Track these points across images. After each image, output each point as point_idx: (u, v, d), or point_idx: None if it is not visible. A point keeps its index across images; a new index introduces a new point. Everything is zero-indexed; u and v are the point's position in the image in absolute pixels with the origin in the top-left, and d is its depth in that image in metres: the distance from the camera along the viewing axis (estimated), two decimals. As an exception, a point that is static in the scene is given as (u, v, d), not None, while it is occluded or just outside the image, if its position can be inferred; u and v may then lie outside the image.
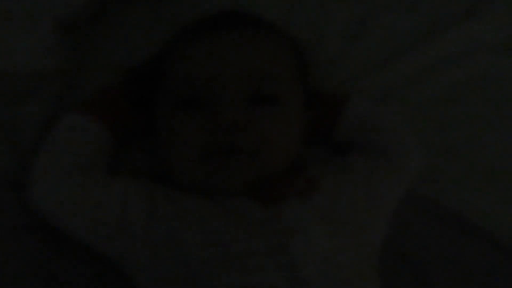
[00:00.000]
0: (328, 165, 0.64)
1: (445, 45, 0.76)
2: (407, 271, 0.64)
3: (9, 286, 0.58)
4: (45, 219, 0.58)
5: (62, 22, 0.67)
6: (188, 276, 0.53)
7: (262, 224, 0.54)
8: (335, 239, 0.55)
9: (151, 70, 0.64)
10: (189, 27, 0.63)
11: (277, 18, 0.68)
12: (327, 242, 0.54)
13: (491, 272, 0.65)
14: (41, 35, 0.66)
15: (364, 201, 0.60)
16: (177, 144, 0.58)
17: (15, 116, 0.65)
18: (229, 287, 0.51)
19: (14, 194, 0.62)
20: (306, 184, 0.59)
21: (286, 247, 0.53)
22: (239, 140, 0.55)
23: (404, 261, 0.65)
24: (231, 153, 0.55)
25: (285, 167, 0.59)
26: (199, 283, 0.52)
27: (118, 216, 0.56)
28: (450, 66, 0.76)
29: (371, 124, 0.66)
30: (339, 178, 0.61)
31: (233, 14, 0.63)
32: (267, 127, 0.56)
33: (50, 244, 0.60)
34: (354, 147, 0.66)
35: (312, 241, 0.54)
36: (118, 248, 0.56)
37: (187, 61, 0.59)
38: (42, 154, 0.59)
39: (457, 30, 0.77)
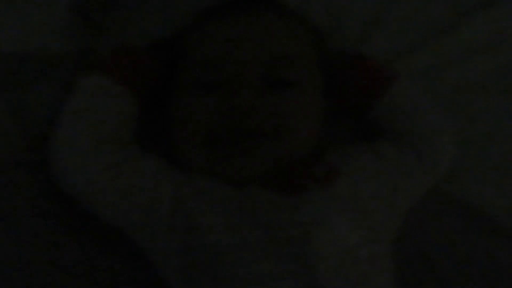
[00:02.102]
0: (352, 148, 0.62)
1: (469, 33, 0.74)
2: (426, 269, 0.63)
3: (16, 273, 0.56)
4: (62, 202, 0.56)
5: (77, 5, 0.67)
6: (207, 263, 0.51)
7: (281, 214, 0.52)
8: (356, 231, 0.53)
9: (169, 50, 0.62)
10: (210, 9, 0.62)
11: (296, 2, 0.67)
12: (348, 235, 0.53)
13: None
14: (55, 17, 0.66)
15: (388, 196, 0.58)
16: (186, 125, 0.56)
17: (25, 98, 0.64)
18: (246, 276, 0.50)
19: (22, 177, 0.60)
20: (325, 172, 0.56)
21: (307, 238, 0.51)
22: (254, 124, 0.53)
23: (423, 260, 0.63)
24: (245, 138, 0.53)
25: (303, 154, 0.57)
26: (217, 271, 0.51)
27: (149, 198, 0.53)
28: (473, 55, 0.73)
29: (411, 112, 0.62)
30: (364, 164, 0.59)
31: None
32: (284, 110, 0.55)
33: (59, 229, 0.58)
34: (382, 134, 0.64)
35: (333, 233, 0.52)
36: (146, 233, 0.54)
37: (205, 42, 0.58)
38: (65, 124, 0.54)
39: (481, 18, 0.75)
